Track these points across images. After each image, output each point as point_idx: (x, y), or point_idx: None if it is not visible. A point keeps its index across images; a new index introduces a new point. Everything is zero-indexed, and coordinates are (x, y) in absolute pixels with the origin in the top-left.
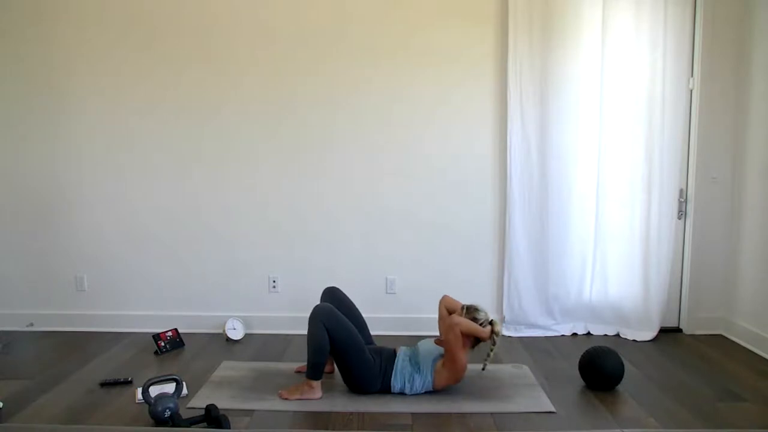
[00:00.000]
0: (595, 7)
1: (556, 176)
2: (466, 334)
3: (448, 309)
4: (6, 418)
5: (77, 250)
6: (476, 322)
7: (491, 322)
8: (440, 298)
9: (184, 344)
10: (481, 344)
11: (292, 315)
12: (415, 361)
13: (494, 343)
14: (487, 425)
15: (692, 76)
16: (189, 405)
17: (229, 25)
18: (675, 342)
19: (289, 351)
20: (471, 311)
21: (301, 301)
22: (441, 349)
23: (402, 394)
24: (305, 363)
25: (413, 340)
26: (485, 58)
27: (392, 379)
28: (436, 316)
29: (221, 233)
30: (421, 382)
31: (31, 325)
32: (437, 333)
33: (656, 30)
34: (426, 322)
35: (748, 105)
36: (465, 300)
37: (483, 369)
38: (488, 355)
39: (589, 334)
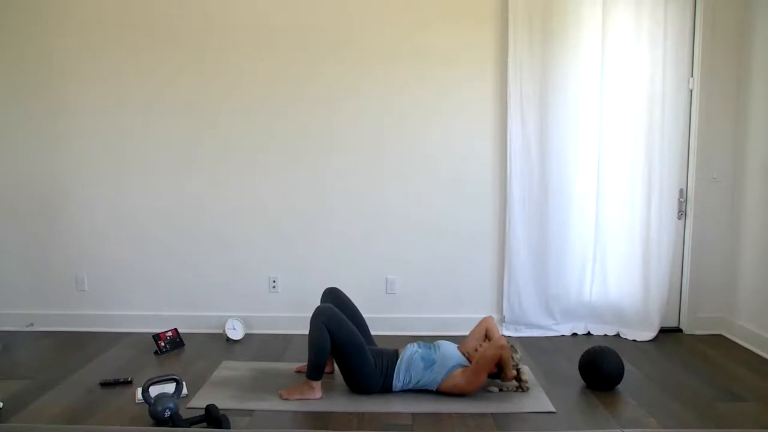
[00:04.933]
0: (595, 7)
1: (556, 176)
2: (502, 362)
3: (489, 331)
4: (6, 418)
5: (77, 250)
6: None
7: (518, 369)
8: (485, 317)
9: (184, 344)
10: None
11: (292, 315)
12: (430, 359)
13: (519, 388)
14: (487, 425)
15: (692, 76)
16: (189, 405)
17: (230, 25)
18: (675, 342)
19: (289, 351)
20: (511, 349)
21: (301, 301)
22: (464, 360)
23: (402, 392)
24: (305, 363)
25: (413, 340)
26: (485, 58)
27: (394, 376)
28: (436, 315)
29: (221, 233)
30: (427, 379)
31: (31, 325)
32: (438, 333)
33: (656, 30)
34: (426, 322)
35: (748, 105)
36: (464, 300)
37: (488, 388)
38: (502, 389)
39: (589, 334)
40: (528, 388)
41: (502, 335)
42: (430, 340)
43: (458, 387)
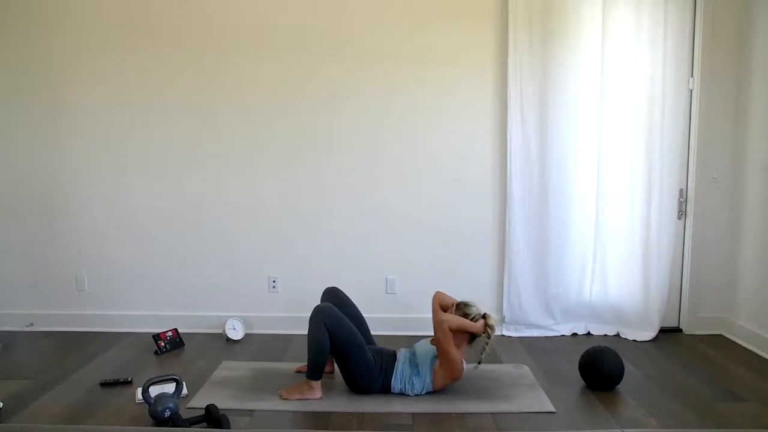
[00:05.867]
0: (595, 7)
1: (556, 176)
2: (456, 330)
3: (441, 305)
4: (6, 418)
5: (77, 249)
6: (468, 318)
7: (484, 316)
8: (433, 294)
9: (184, 344)
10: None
11: (292, 315)
12: (414, 363)
13: (488, 337)
14: (487, 425)
15: (692, 76)
16: (189, 405)
17: (230, 25)
18: (675, 342)
19: (289, 351)
20: (461, 307)
21: (301, 301)
22: (435, 351)
23: (402, 394)
24: (305, 363)
25: (413, 340)
26: (485, 58)
27: (392, 380)
28: None
29: (221, 233)
30: (420, 384)
31: (31, 325)
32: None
33: (656, 30)
34: (426, 321)
35: (748, 105)
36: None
37: (478, 364)
38: (483, 350)
39: (589, 334)
40: (493, 326)
41: (443, 312)
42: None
43: (446, 378)
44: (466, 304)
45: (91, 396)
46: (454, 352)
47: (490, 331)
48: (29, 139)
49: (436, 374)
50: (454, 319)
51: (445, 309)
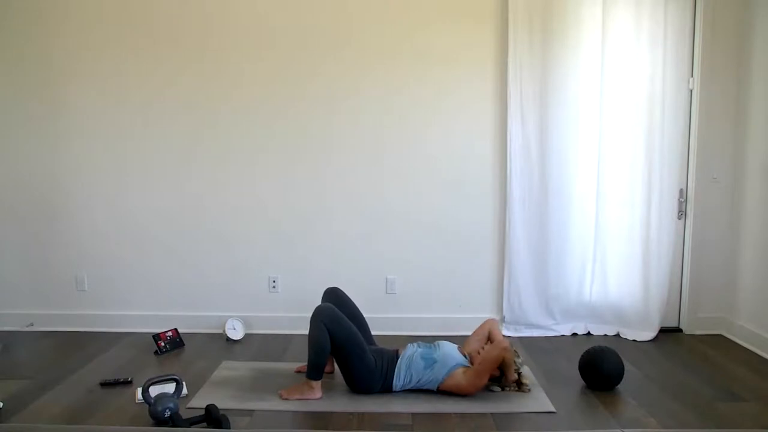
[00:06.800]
0: (595, 7)
1: (556, 176)
2: (504, 364)
3: (490, 332)
4: (6, 418)
5: (77, 249)
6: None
7: (519, 374)
8: (488, 318)
9: (184, 344)
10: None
11: (292, 315)
12: (430, 358)
13: (516, 389)
14: (487, 425)
15: (692, 76)
16: (189, 405)
17: (230, 25)
18: (675, 342)
19: (289, 351)
20: (513, 352)
21: (301, 301)
22: (464, 361)
23: (402, 392)
24: (305, 363)
25: (413, 340)
26: (485, 58)
27: (394, 376)
28: (436, 315)
29: (221, 233)
30: (428, 378)
31: (31, 325)
32: (438, 333)
33: (656, 30)
34: (426, 321)
35: (748, 105)
36: (465, 300)
37: (490, 387)
38: (502, 388)
39: (589, 334)
40: (529, 390)
41: (505, 337)
42: (430, 340)
43: (459, 387)
44: (517, 354)
45: (91, 396)
46: (487, 375)
47: (515, 386)
48: (29, 139)
49: (451, 377)
50: (510, 355)
51: (490, 338)
